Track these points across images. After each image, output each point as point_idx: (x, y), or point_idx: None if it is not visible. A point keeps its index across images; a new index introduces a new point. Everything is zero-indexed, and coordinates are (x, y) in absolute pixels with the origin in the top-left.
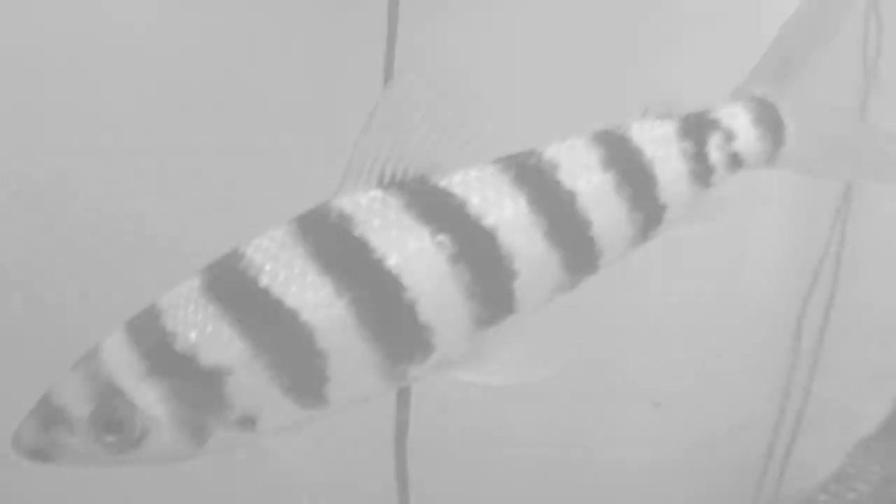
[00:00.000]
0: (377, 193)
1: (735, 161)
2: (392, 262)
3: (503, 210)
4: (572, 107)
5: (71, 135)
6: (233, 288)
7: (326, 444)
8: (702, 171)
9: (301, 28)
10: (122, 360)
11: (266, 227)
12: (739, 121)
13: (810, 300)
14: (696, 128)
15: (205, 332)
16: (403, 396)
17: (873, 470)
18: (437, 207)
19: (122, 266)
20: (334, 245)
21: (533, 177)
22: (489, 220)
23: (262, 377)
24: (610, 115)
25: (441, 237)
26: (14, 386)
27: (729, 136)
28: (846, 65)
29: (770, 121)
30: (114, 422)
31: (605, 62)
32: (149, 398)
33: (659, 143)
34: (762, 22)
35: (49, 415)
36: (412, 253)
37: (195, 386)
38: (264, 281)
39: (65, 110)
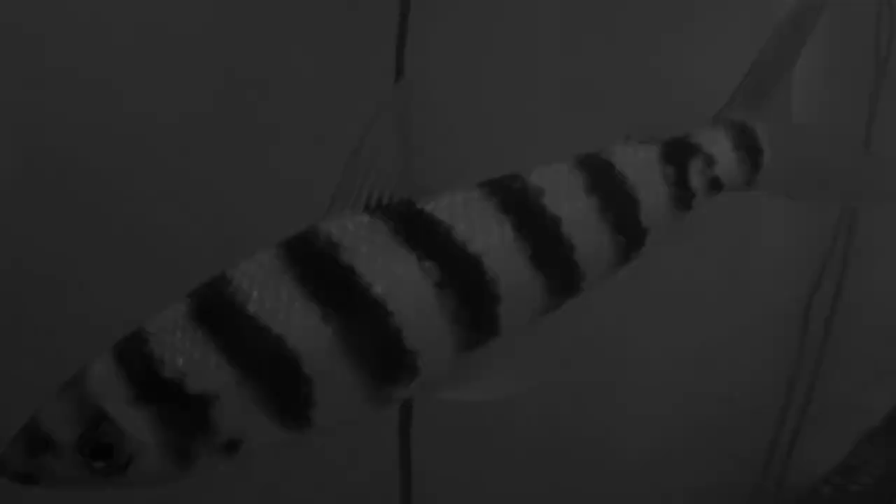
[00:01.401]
0: (364, 218)
1: (715, 185)
2: (379, 288)
3: (489, 236)
4: (587, 101)
5: (81, 117)
6: (220, 314)
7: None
8: (683, 196)
9: (311, 22)
10: (109, 386)
11: (271, 219)
12: (719, 146)
13: (817, 293)
14: (678, 153)
15: (192, 358)
16: None
17: (877, 463)
18: (423, 233)
19: (129, 250)
20: (322, 271)
21: (518, 202)
22: (475, 246)
23: (248, 403)
24: (623, 106)
25: (427, 263)
26: (20, 368)
27: (709, 161)
28: (858, 63)
29: (749, 145)
30: (101, 447)
31: (618, 51)
32: (136, 424)
33: (641, 168)
34: (773, 9)
35: (35, 439)
36: (399, 279)
37: (182, 411)
38: (252, 308)
39: (75, 93)
